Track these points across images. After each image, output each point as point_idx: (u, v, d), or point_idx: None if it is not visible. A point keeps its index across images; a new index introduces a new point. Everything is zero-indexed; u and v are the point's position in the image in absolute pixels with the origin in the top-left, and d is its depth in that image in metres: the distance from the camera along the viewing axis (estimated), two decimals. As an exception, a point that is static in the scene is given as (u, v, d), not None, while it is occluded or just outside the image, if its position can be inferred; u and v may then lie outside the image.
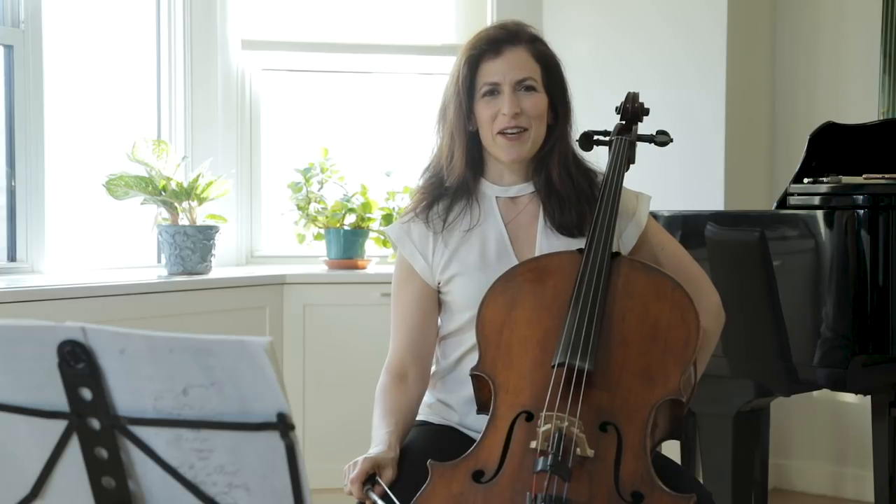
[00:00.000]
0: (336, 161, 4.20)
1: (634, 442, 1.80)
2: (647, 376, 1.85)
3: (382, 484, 1.85)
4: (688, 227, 2.92)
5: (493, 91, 2.06)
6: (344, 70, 4.46)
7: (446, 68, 2.21)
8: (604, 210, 2.01)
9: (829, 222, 2.66)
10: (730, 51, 3.94)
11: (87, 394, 1.10)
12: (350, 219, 4.14)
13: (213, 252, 3.84)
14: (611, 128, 2.21)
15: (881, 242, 2.61)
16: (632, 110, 2.21)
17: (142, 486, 1.13)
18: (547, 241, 2.08)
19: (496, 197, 2.13)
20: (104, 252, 3.99)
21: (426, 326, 2.11)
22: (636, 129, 2.20)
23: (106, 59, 4.07)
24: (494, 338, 1.93)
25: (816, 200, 2.84)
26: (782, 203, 2.98)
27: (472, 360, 1.97)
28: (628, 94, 2.23)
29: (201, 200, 3.81)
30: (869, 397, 3.18)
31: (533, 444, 1.78)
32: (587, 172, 2.15)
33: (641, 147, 2.19)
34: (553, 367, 1.85)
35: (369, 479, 1.85)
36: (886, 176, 2.82)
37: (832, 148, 3.13)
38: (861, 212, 2.62)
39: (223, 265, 4.16)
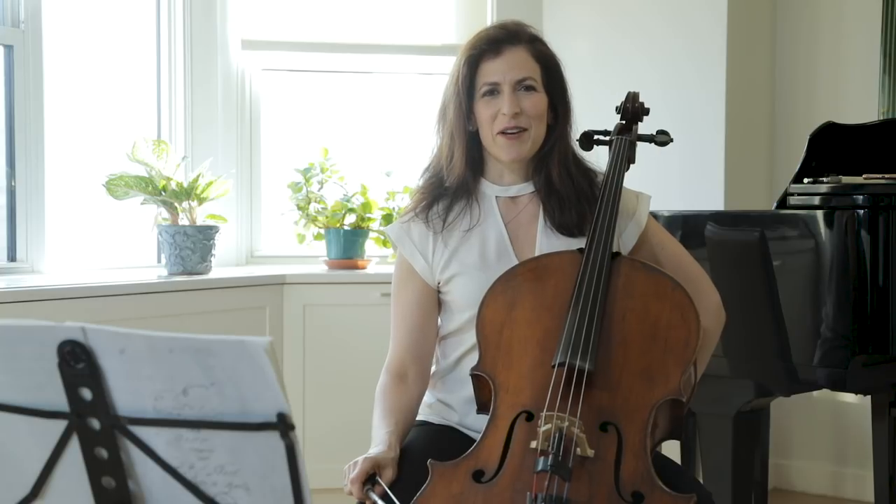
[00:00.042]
0: (336, 161, 4.20)
1: (635, 442, 1.80)
2: (648, 376, 1.85)
3: (382, 484, 1.85)
4: (688, 227, 2.92)
5: (493, 91, 2.06)
6: (344, 70, 4.46)
7: (446, 68, 2.21)
8: (604, 210, 2.01)
9: (829, 222, 2.66)
10: (730, 51, 3.94)
11: (87, 394, 1.10)
12: (350, 219, 4.14)
13: (213, 252, 3.84)
14: (611, 128, 2.21)
15: (881, 242, 2.61)
16: (632, 110, 2.21)
17: (142, 486, 1.13)
18: (547, 241, 2.08)
19: (496, 197, 2.13)
20: (104, 252, 3.99)
21: (426, 326, 2.11)
22: (636, 129, 2.20)
23: (106, 59, 4.07)
24: (494, 337, 1.93)
25: (816, 200, 2.84)
26: (782, 203, 2.98)
27: (472, 359, 1.97)
28: (628, 93, 2.23)
29: (201, 200, 3.81)
30: (869, 397, 3.18)
31: (533, 444, 1.78)
32: (587, 172, 2.15)
33: (641, 147, 2.19)
34: (553, 366, 1.85)
35: (369, 479, 1.85)
36: (886, 176, 2.82)
37: (832, 148, 3.13)
38: (861, 212, 2.62)
39: (223, 265, 4.16)
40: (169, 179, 3.74)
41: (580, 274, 1.93)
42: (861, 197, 2.69)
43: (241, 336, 1.05)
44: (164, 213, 3.82)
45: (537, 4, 4.28)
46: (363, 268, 4.12)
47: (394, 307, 2.14)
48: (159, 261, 4.07)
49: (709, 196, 3.93)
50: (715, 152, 3.95)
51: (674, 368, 1.86)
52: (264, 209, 4.39)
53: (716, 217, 2.92)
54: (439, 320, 2.14)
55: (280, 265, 4.23)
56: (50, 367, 1.09)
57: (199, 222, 3.81)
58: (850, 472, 4.08)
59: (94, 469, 1.13)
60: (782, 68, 4.23)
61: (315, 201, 4.14)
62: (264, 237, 4.40)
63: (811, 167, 3.05)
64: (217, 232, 3.85)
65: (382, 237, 4.13)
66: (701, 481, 2.61)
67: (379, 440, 1.96)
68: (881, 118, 3.80)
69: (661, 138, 2.20)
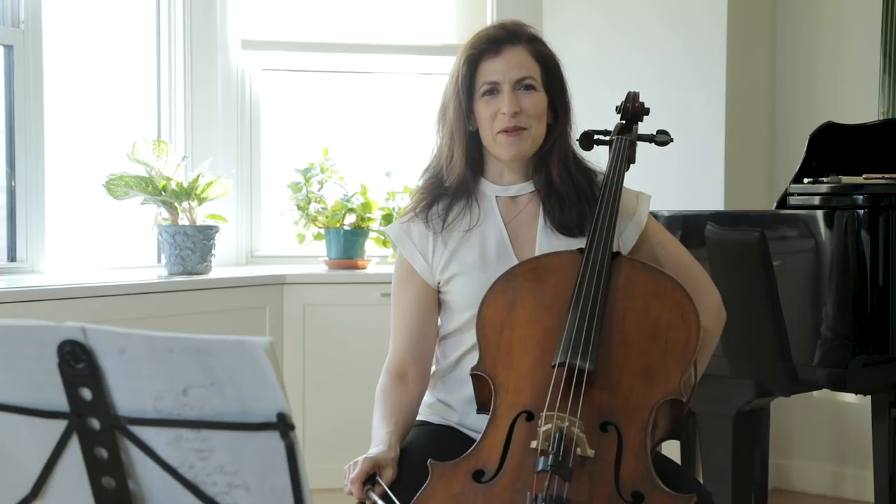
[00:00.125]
0: (336, 161, 4.20)
1: (635, 442, 1.80)
2: (648, 376, 1.85)
3: (382, 484, 1.84)
4: (688, 227, 2.92)
5: (493, 90, 2.06)
6: (344, 70, 4.46)
7: (446, 68, 2.21)
8: (604, 210, 2.01)
9: (829, 222, 2.66)
10: (730, 51, 3.94)
11: (87, 394, 1.10)
12: (350, 219, 4.14)
13: (213, 252, 3.84)
14: (611, 127, 2.21)
15: (881, 242, 2.61)
16: (632, 110, 2.21)
17: (142, 486, 1.13)
18: (547, 241, 2.08)
19: (496, 196, 2.13)
20: (104, 252, 3.99)
21: (426, 326, 2.11)
22: (636, 129, 2.20)
23: (106, 59, 4.07)
24: (494, 337, 1.93)
25: (816, 200, 2.84)
26: (782, 203, 2.98)
27: (472, 359, 1.97)
28: (628, 93, 2.23)
29: (201, 200, 3.81)
30: (869, 397, 3.18)
31: (533, 444, 1.78)
32: (587, 172, 2.15)
33: (641, 147, 2.19)
34: (553, 366, 1.85)
35: (369, 479, 1.85)
36: (886, 176, 2.82)
37: (832, 148, 3.13)
38: (861, 212, 2.62)
39: (223, 265, 4.16)
40: (169, 179, 3.74)
41: (580, 274, 1.93)
42: (861, 197, 2.69)
43: (241, 336, 1.05)
44: (164, 213, 3.82)
45: (537, 4, 4.28)
46: (363, 268, 4.12)
47: (394, 307, 2.14)
48: (159, 261, 4.07)
49: (709, 196, 3.93)
50: (715, 152, 3.95)
51: (674, 368, 1.86)
52: (264, 209, 4.39)
53: (716, 217, 2.92)
54: (439, 320, 2.14)
55: (280, 265, 4.24)
56: (50, 367, 1.09)
57: (199, 222, 3.81)
58: (850, 472, 4.08)
59: (94, 469, 1.13)
60: (782, 68, 4.23)
61: (315, 201, 4.14)
62: (264, 237, 4.40)
63: (811, 167, 3.05)
64: (217, 232, 3.85)
65: (382, 237, 4.13)
66: (701, 481, 2.60)
67: (379, 440, 1.96)
68: (881, 118, 3.80)
69: (661, 138, 2.20)
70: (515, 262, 2.04)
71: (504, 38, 2.08)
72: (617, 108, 2.22)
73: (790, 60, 4.21)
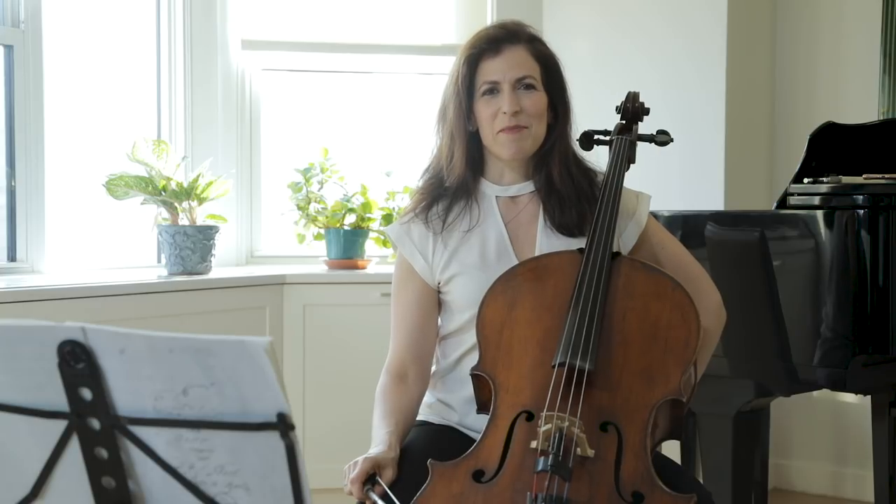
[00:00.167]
0: (336, 161, 4.20)
1: (635, 442, 1.80)
2: (648, 376, 1.85)
3: (382, 484, 1.84)
4: (688, 227, 2.92)
5: (493, 90, 2.06)
6: (344, 70, 4.46)
7: (446, 68, 2.21)
8: (604, 210, 2.01)
9: (829, 222, 2.66)
10: (730, 51, 3.94)
11: (87, 394, 1.10)
12: (350, 219, 4.14)
13: (213, 252, 3.84)
14: (611, 127, 2.21)
15: (881, 242, 2.61)
16: (632, 110, 2.21)
17: (142, 486, 1.13)
18: (547, 241, 2.08)
19: (496, 196, 2.13)
20: (104, 252, 3.99)
21: (426, 326, 2.11)
22: (636, 129, 2.20)
23: (106, 59, 4.07)
24: (494, 337, 1.93)
25: (816, 200, 2.84)
26: (782, 203, 2.98)
27: (472, 359, 1.97)
28: (628, 93, 2.23)
29: (201, 200, 3.81)
30: (869, 397, 3.18)
31: (533, 444, 1.78)
32: (587, 172, 2.15)
33: (641, 147, 2.19)
34: (553, 366, 1.85)
35: (369, 479, 1.85)
36: (886, 176, 2.82)
37: (832, 148, 3.13)
38: (861, 212, 2.62)
39: (223, 265, 4.16)
40: (169, 179, 3.74)
41: (580, 274, 1.93)
42: (861, 197, 2.69)
43: (241, 336, 1.05)
44: (164, 213, 3.82)
45: (537, 4, 4.28)
46: (363, 268, 4.12)
47: (394, 307, 2.14)
48: (159, 261, 4.07)
49: (709, 196, 3.93)
50: (715, 152, 3.95)
51: (674, 368, 1.86)
52: (264, 209, 4.39)
53: (716, 217, 2.92)
54: (439, 320, 2.14)
55: (280, 265, 4.24)
56: (50, 367, 1.09)
57: (199, 222, 3.81)
58: (850, 472, 4.08)
59: (94, 469, 1.13)
60: (782, 68, 4.23)
61: (315, 201, 4.14)
62: (264, 237, 4.40)
63: (811, 167, 3.05)
64: (217, 232, 3.85)
65: (382, 237, 4.13)
66: (701, 481, 2.60)
67: (379, 440, 1.96)
68: (881, 118, 3.80)
69: (661, 138, 2.20)
70: (515, 262, 2.04)
71: (504, 37, 2.08)
72: (617, 108, 2.22)
73: (790, 60, 4.21)
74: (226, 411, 1.07)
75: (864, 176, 2.88)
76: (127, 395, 1.10)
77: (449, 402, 2.10)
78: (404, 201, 4.13)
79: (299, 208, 4.14)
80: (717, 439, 2.80)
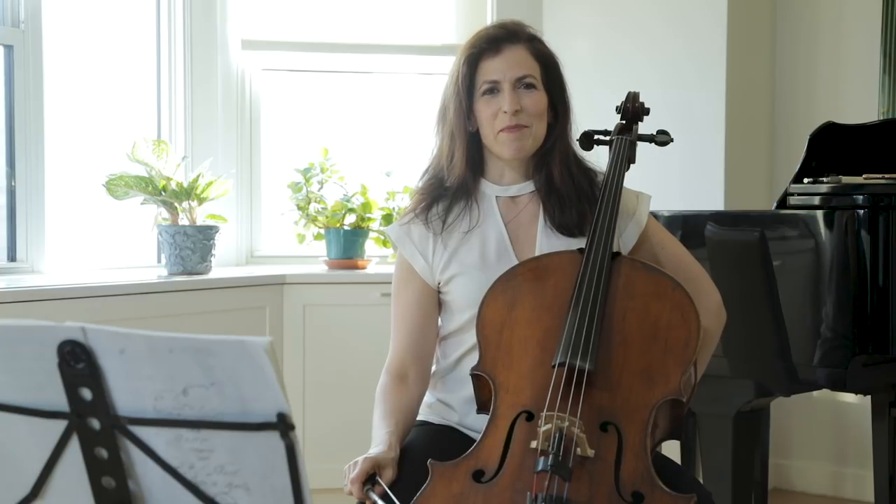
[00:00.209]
0: (336, 161, 4.20)
1: (635, 442, 1.80)
2: (648, 376, 1.85)
3: (382, 484, 1.84)
4: (688, 227, 2.92)
5: (493, 89, 2.06)
6: (344, 70, 4.46)
7: (446, 68, 2.21)
8: (604, 210, 2.01)
9: (829, 222, 2.66)
10: (730, 51, 3.94)
11: (87, 394, 1.10)
12: (350, 219, 4.14)
13: (213, 252, 3.84)
14: (611, 127, 2.21)
15: (881, 242, 2.61)
16: (632, 110, 2.21)
17: (142, 486, 1.13)
18: (547, 241, 2.08)
19: (496, 197, 2.13)
20: (104, 252, 3.99)
21: (426, 326, 2.11)
22: (636, 129, 2.20)
23: (106, 59, 4.07)
24: (495, 337, 1.93)
25: (816, 200, 2.84)
26: (782, 203, 2.98)
27: (473, 359, 1.97)
28: (628, 93, 2.23)
29: (201, 200, 3.81)
30: (869, 397, 3.18)
31: (533, 444, 1.78)
32: (587, 172, 2.15)
33: (641, 147, 2.18)
34: (553, 366, 1.85)
35: (369, 479, 1.85)
36: (886, 176, 2.82)
37: (832, 148, 3.13)
38: (861, 212, 2.62)
39: (223, 265, 4.16)
40: (169, 179, 3.74)
41: (580, 274, 1.93)
42: (861, 197, 2.69)
43: (241, 336, 1.05)
44: (164, 213, 3.82)
45: (537, 4, 4.28)
46: (363, 268, 4.12)
47: (394, 307, 2.14)
48: (159, 261, 4.07)
49: (709, 196, 3.93)
50: (715, 152, 3.95)
51: (674, 368, 1.86)
52: (264, 209, 4.39)
53: (716, 217, 2.92)
54: (439, 320, 2.14)
55: (280, 265, 4.24)
56: (50, 367, 1.09)
57: (199, 222, 3.81)
58: (850, 472, 4.08)
59: (94, 469, 1.13)
60: (782, 68, 4.23)
61: (315, 201, 4.14)
62: (264, 237, 4.40)
63: (811, 167, 3.05)
64: (217, 232, 3.85)
65: (382, 237, 4.13)
66: (701, 481, 2.60)
67: (379, 440, 1.96)
68: (881, 118, 3.80)
69: (661, 138, 2.20)
70: (515, 262, 2.04)
71: (504, 37, 2.08)
72: (617, 108, 2.22)
73: (790, 60, 4.21)
74: (226, 411, 1.07)
75: (864, 176, 2.88)
76: (127, 395, 1.10)
77: (449, 402, 2.10)
78: (404, 201, 4.13)
79: (299, 208, 4.14)
80: (717, 439, 2.80)
